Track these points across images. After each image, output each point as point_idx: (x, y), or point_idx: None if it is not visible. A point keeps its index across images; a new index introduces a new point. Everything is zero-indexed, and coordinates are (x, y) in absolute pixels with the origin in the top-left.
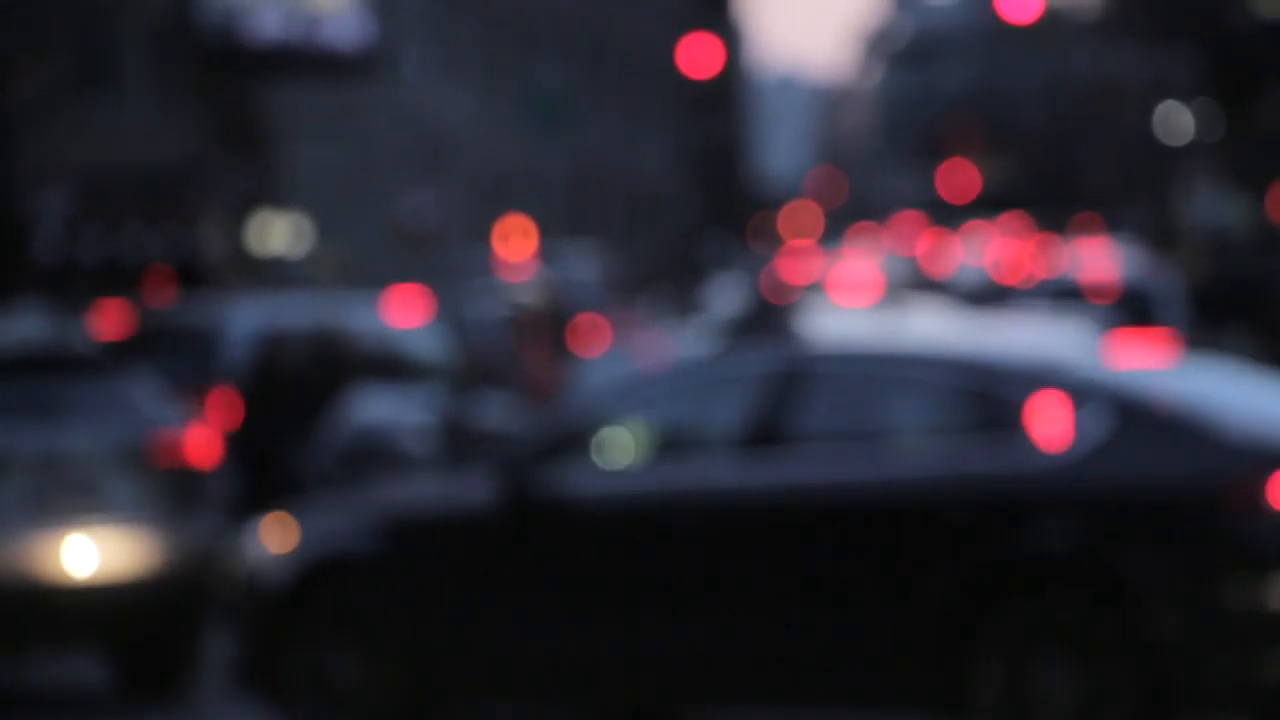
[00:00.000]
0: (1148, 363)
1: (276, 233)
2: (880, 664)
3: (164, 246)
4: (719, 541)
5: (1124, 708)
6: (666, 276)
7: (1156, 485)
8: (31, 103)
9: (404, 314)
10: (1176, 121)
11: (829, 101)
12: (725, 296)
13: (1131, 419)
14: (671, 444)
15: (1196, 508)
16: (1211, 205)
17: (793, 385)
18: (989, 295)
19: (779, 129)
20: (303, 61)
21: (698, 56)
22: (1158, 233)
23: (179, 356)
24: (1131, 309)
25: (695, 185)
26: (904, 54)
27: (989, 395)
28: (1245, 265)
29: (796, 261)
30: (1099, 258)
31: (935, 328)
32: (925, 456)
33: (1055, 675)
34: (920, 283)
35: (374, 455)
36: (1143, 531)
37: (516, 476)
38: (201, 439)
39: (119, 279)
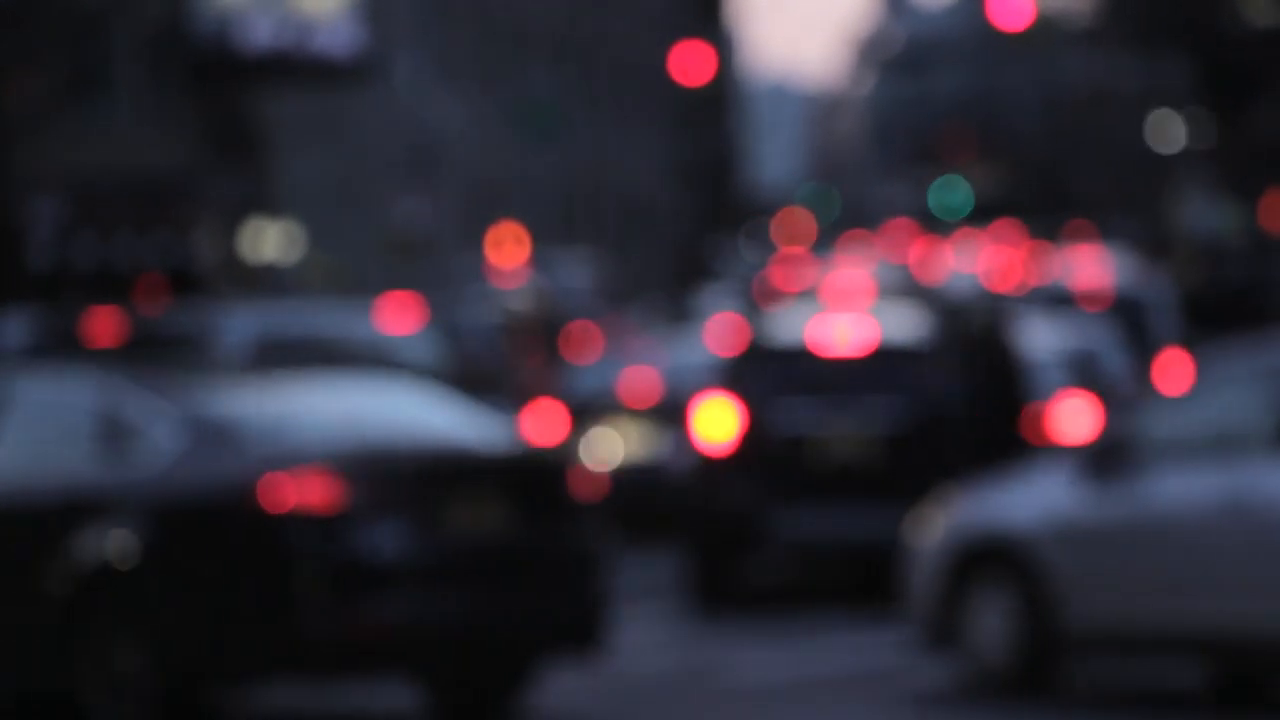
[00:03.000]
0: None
1: (269, 240)
2: (21, 649)
3: (157, 254)
4: None
5: (176, 674)
6: (660, 283)
7: (211, 492)
8: (25, 111)
9: (397, 321)
10: (1169, 129)
11: (821, 109)
12: (717, 304)
13: (202, 436)
14: None
15: (229, 510)
16: (1204, 212)
17: None
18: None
19: (771, 136)
20: (295, 69)
21: (690, 64)
22: (1150, 240)
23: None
24: (1124, 316)
25: (688, 192)
26: (896, 61)
27: (112, 416)
28: (1237, 272)
29: (789, 269)
30: (1091, 265)
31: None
32: (58, 469)
33: (130, 653)
34: (912, 290)
35: None
36: (192, 531)
37: None
38: None
39: (112, 286)
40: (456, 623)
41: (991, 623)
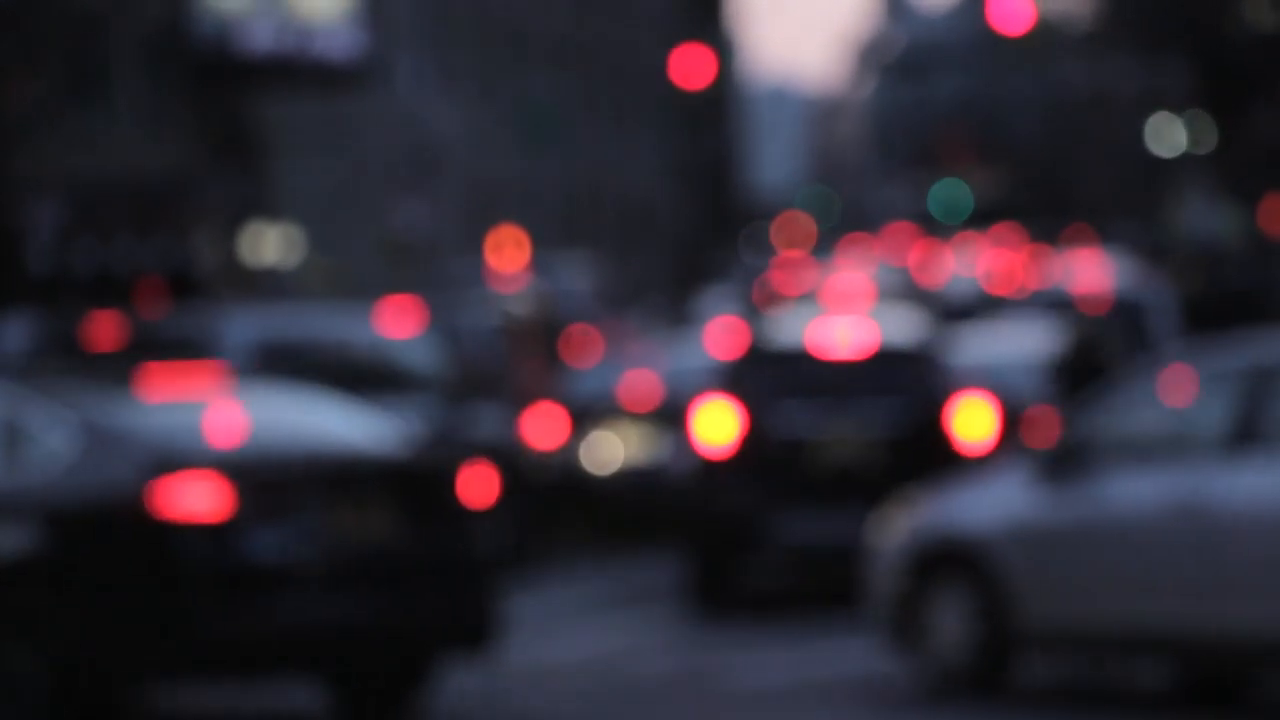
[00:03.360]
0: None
1: (269, 244)
2: None
3: (156, 257)
4: None
5: (68, 677)
6: (660, 286)
7: (102, 497)
8: (25, 113)
9: (397, 325)
10: (1168, 133)
11: (821, 112)
12: (717, 307)
13: (95, 442)
14: None
15: (120, 515)
16: (1203, 216)
17: None
18: (981, 306)
19: (771, 139)
20: (295, 73)
21: (690, 68)
22: (1150, 244)
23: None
24: (1123, 320)
25: (688, 196)
26: (896, 65)
27: (7, 422)
28: (1237, 276)
29: (789, 272)
30: (1091, 269)
31: None
32: None
33: (23, 656)
34: (912, 293)
35: None
36: (83, 536)
37: None
38: None
39: (111, 290)
40: (344, 625)
41: (951, 623)
